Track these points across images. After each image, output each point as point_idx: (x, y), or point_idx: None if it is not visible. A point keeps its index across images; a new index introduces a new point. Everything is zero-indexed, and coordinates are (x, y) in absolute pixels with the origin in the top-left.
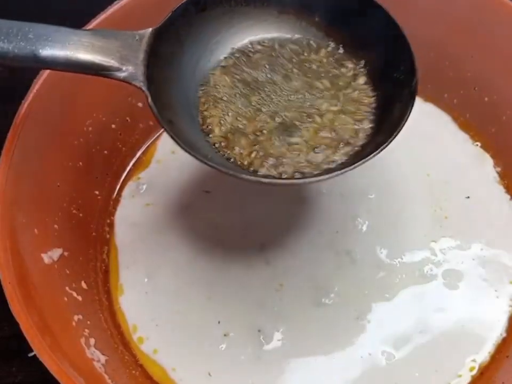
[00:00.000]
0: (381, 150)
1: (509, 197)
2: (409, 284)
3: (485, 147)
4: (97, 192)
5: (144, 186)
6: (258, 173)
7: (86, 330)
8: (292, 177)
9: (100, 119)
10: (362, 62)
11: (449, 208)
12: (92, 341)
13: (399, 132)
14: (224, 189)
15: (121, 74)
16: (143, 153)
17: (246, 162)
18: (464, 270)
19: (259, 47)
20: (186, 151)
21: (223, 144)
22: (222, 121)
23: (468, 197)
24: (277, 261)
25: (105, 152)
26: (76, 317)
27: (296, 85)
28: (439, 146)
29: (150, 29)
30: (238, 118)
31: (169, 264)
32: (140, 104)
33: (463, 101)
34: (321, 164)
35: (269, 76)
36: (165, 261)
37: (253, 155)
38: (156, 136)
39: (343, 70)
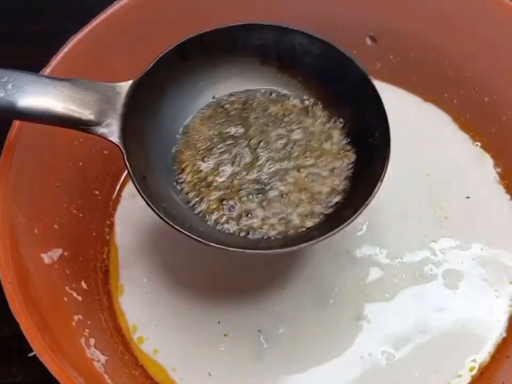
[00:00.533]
0: (349, 223)
1: (509, 197)
2: (409, 284)
3: (485, 147)
4: (97, 192)
5: None
6: (223, 228)
7: (86, 330)
8: (260, 247)
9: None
10: (341, 120)
11: (449, 208)
12: (92, 341)
13: (367, 204)
14: None
15: (99, 130)
16: None
17: (213, 217)
18: (464, 270)
19: (237, 99)
20: (154, 211)
21: (193, 194)
22: (195, 170)
23: (468, 197)
24: (277, 261)
25: (105, 152)
26: (75, 317)
27: (274, 141)
28: (439, 146)
29: (131, 81)
30: (214, 171)
31: (169, 264)
32: None
33: (463, 101)
34: (294, 226)
35: (244, 130)
36: (165, 261)
37: (221, 210)
38: None
39: (321, 127)
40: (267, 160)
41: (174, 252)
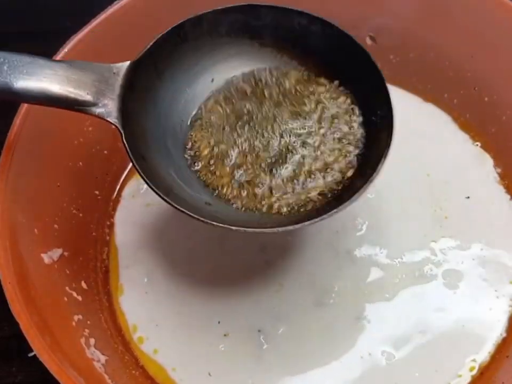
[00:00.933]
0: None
1: (509, 197)
2: (409, 284)
3: (485, 147)
4: (97, 192)
5: (144, 186)
6: (233, 204)
7: (86, 330)
8: (268, 226)
9: (100, 119)
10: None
11: (449, 208)
12: (92, 341)
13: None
14: None
15: (96, 110)
16: None
17: (228, 193)
18: (464, 270)
19: (246, 78)
20: (154, 190)
21: (206, 172)
22: (210, 147)
23: (468, 197)
24: (277, 261)
25: (105, 152)
26: (75, 317)
27: (285, 116)
28: (439, 146)
29: (128, 62)
30: (226, 148)
31: (169, 264)
32: None
33: (463, 101)
34: (304, 201)
35: (257, 107)
36: (165, 261)
37: (230, 186)
38: None
39: (335, 101)
40: (281, 136)
41: (174, 252)
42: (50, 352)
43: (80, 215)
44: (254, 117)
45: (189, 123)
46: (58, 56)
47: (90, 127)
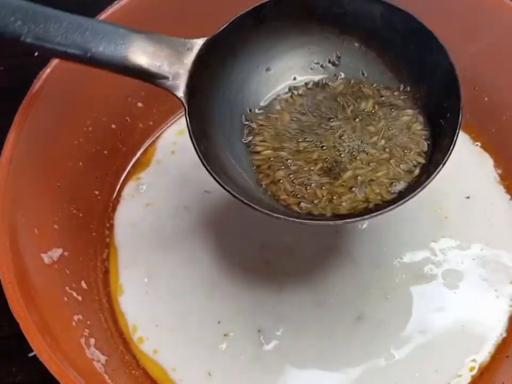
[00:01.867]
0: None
1: (509, 197)
2: (409, 284)
3: (485, 147)
4: (97, 192)
5: (144, 186)
6: (281, 202)
7: (86, 330)
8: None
9: (100, 119)
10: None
11: (449, 208)
12: (92, 341)
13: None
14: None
15: (166, 83)
16: (143, 153)
17: (272, 189)
18: (464, 270)
19: (314, 83)
20: (207, 169)
21: (262, 168)
22: (269, 148)
23: (468, 197)
24: (277, 261)
25: (105, 152)
26: (75, 317)
27: (351, 125)
28: None
29: (203, 39)
30: (286, 152)
31: (169, 264)
32: (139, 104)
33: (463, 101)
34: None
35: (325, 115)
36: (165, 260)
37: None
38: (156, 136)
39: (400, 111)
40: (342, 145)
41: (174, 252)
42: (50, 352)
43: (80, 215)
44: (318, 128)
45: (254, 111)
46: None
47: (90, 127)
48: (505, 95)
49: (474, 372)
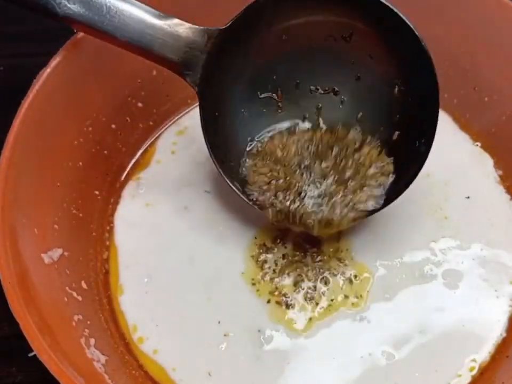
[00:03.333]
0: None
1: (509, 197)
2: (409, 283)
3: (485, 147)
4: (97, 192)
5: (144, 186)
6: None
7: (86, 330)
8: None
9: (100, 119)
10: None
11: (449, 208)
12: (92, 341)
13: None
14: (224, 189)
15: (183, 71)
16: (143, 153)
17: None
18: (464, 270)
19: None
20: (214, 163)
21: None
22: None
23: (468, 197)
24: None
25: (105, 152)
26: (76, 317)
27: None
28: (439, 146)
29: (219, 28)
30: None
31: (169, 264)
32: (140, 104)
33: (463, 101)
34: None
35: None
36: (165, 261)
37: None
38: (155, 136)
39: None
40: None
41: (174, 252)
42: (50, 352)
43: (80, 215)
44: (313, 165)
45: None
46: (58, 56)
47: (90, 127)
48: (505, 95)
49: (474, 372)
